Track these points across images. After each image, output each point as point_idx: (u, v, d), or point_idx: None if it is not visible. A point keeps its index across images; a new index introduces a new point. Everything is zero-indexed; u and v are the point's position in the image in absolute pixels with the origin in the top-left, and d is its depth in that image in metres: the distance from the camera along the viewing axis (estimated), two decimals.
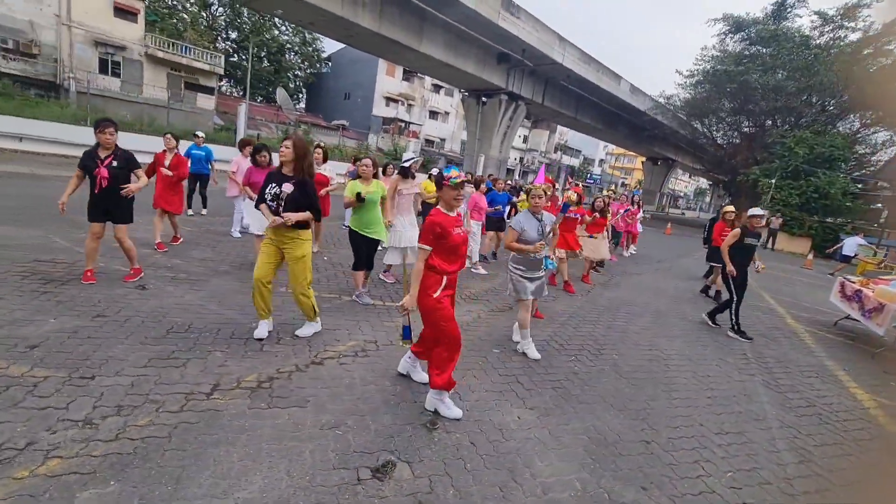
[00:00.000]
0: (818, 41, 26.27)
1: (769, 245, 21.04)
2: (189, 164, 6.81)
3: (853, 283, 6.65)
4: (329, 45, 47.45)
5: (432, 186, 8.44)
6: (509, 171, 32.38)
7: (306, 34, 43.30)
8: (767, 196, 23.18)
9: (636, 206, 10.99)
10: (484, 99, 28.57)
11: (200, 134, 8.57)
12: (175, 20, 34.22)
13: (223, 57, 28.56)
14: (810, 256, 17.25)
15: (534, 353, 4.02)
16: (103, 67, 25.55)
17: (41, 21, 23.22)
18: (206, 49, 30.47)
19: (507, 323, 4.84)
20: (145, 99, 25.60)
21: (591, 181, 46.82)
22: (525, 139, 56.40)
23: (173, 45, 27.97)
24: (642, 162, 49.04)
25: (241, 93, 40.79)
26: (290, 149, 3.32)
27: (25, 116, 16.10)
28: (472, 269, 6.99)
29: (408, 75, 43.30)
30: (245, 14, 39.76)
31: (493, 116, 28.26)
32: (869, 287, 6.29)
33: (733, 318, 5.62)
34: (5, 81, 21.02)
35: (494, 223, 7.75)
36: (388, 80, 42.33)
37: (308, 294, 3.60)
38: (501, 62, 25.84)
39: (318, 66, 46.60)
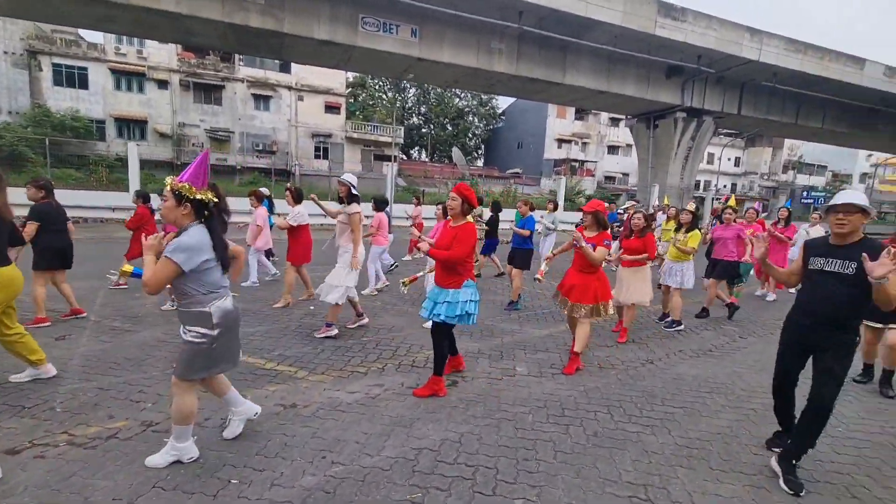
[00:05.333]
0: None
1: None
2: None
3: None
4: (503, 101, 49.99)
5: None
6: (697, 199, 26.63)
7: (482, 97, 46.66)
8: None
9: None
10: (656, 122, 24.75)
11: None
12: (377, 107, 41.61)
13: (402, 129, 33.00)
14: None
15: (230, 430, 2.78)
16: (317, 153, 32.53)
17: (279, 126, 31.26)
18: (389, 125, 35.81)
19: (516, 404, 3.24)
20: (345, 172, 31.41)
21: (811, 199, 33.58)
22: (737, 161, 46.50)
23: (364, 126, 33.87)
24: None
25: (427, 158, 46.18)
26: None
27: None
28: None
29: (580, 114, 41.77)
30: (430, 90, 45.44)
31: (668, 139, 24.06)
32: None
33: None
34: (256, 174, 28.78)
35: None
36: (559, 122, 41.61)
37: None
38: (672, 76, 22.09)
39: (493, 122, 49.36)
